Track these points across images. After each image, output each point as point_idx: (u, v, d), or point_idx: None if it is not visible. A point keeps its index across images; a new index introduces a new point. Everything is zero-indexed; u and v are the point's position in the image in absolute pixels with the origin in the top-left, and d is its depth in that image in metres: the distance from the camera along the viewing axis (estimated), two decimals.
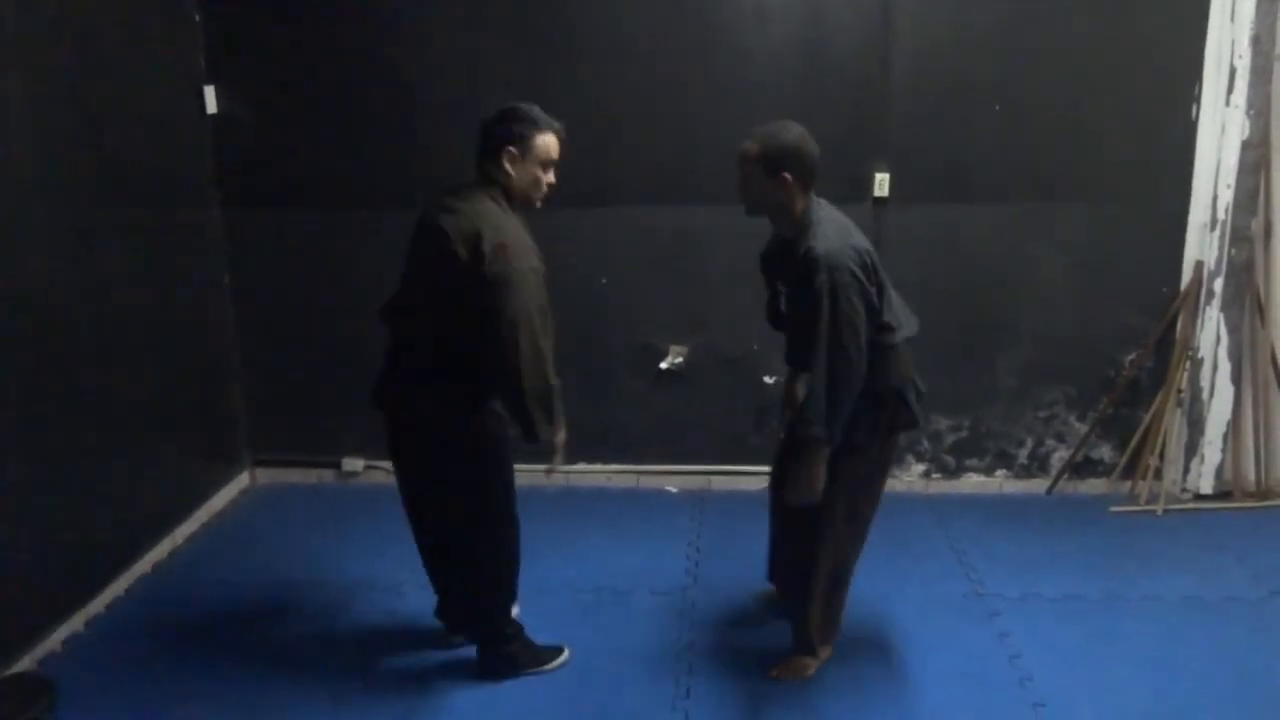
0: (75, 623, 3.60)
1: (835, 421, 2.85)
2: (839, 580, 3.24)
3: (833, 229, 2.87)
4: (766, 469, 4.72)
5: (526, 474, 4.73)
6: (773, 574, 3.59)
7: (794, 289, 2.94)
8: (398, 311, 3.08)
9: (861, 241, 2.88)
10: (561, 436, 3.03)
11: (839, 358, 2.80)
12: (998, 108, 4.31)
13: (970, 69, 4.29)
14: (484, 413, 3.05)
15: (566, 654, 3.38)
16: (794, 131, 2.90)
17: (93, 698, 3.21)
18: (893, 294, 3.00)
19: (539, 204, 3.02)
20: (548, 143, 2.95)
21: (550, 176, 2.99)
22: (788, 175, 2.86)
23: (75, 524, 3.62)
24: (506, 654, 3.29)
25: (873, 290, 2.85)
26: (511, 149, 2.91)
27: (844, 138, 4.35)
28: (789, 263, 2.93)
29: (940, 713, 3.11)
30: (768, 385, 4.62)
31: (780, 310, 3.20)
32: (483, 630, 3.30)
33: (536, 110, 2.97)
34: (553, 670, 3.33)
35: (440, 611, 3.48)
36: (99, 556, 3.79)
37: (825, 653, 3.32)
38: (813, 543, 3.13)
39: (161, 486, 4.20)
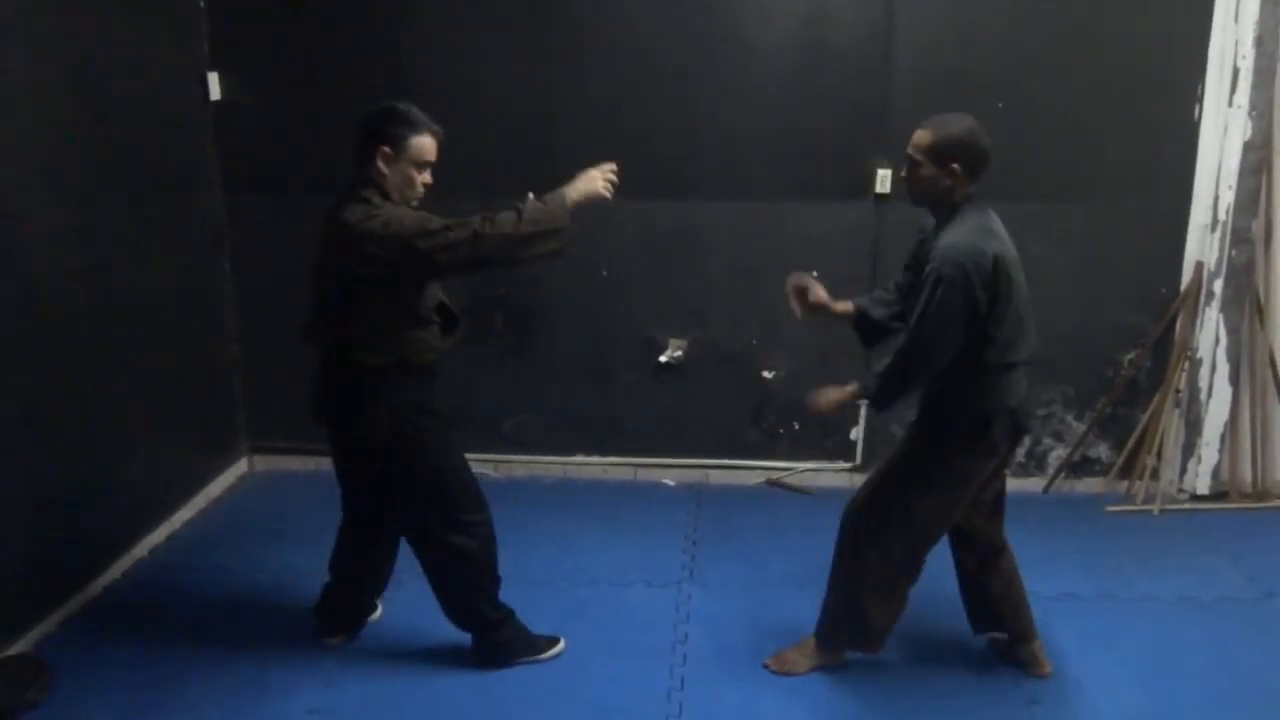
0: (72, 606, 3.60)
1: (888, 388, 2.93)
2: (880, 592, 3.16)
3: (972, 227, 2.84)
4: (764, 463, 4.77)
5: (525, 465, 4.78)
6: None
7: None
8: (313, 325, 3.10)
9: (996, 249, 2.79)
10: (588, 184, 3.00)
11: (919, 341, 2.80)
12: (1000, 106, 4.30)
13: (972, 67, 4.29)
14: (408, 408, 3.04)
15: (562, 644, 3.39)
16: (965, 123, 2.88)
17: (89, 681, 3.21)
18: (1021, 313, 2.89)
19: (414, 204, 3.01)
20: (423, 144, 2.93)
21: (425, 177, 2.97)
22: (956, 166, 2.84)
23: (73, 508, 3.62)
24: (499, 641, 3.30)
25: (984, 296, 2.76)
26: (386, 149, 2.89)
27: (846, 134, 4.35)
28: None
29: (934, 710, 3.12)
30: (767, 380, 4.63)
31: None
32: (472, 620, 3.30)
33: (415, 111, 2.94)
34: (548, 659, 3.34)
35: (329, 609, 3.48)
36: (97, 541, 3.79)
37: (842, 651, 3.30)
38: (862, 547, 3.14)
39: (160, 472, 4.21)
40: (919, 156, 2.88)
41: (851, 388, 3.06)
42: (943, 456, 2.98)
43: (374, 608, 3.59)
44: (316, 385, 3.12)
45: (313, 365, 2.93)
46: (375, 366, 2.96)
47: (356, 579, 3.46)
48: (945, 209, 2.91)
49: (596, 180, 3.00)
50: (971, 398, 2.91)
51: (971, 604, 3.35)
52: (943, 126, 2.87)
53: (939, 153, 2.85)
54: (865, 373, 3.14)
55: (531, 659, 3.32)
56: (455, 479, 3.17)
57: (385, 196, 2.92)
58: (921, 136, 2.88)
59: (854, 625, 3.21)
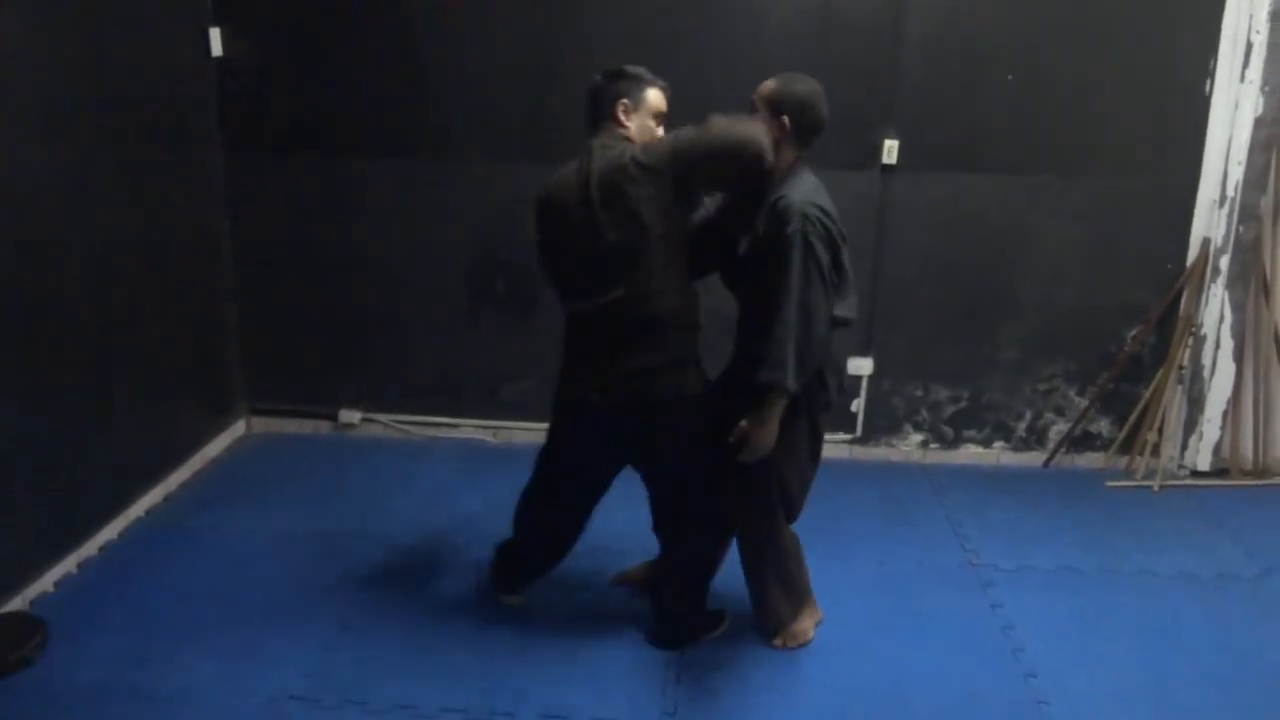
0: (68, 564, 3.59)
1: (801, 369, 2.77)
2: (771, 553, 3.22)
3: (808, 187, 2.87)
4: None
5: (525, 432, 4.75)
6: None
7: (756, 239, 2.90)
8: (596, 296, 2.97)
9: (831, 208, 2.86)
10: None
11: (810, 304, 2.77)
12: (1010, 77, 4.27)
13: (983, 37, 4.24)
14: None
15: (727, 621, 3.36)
16: (809, 85, 2.92)
17: (84, 638, 3.21)
18: (848, 271, 2.94)
19: None
20: (657, 96, 3.03)
21: (660, 130, 3.04)
22: (785, 119, 2.88)
23: (70, 466, 3.60)
24: (699, 621, 3.31)
25: (823, 248, 2.81)
26: (626, 102, 2.98)
27: (854, 104, 4.30)
28: (757, 211, 2.92)
29: (932, 683, 3.11)
30: None
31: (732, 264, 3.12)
32: (689, 590, 3.29)
33: (641, 68, 3.05)
34: (719, 635, 3.32)
35: (511, 569, 3.47)
36: (93, 499, 3.77)
37: (810, 615, 3.33)
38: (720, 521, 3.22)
39: (157, 432, 4.19)
40: (758, 104, 2.93)
41: (767, 408, 2.83)
42: (790, 419, 2.95)
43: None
44: (598, 367, 2.99)
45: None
46: (681, 316, 2.95)
47: (550, 547, 3.41)
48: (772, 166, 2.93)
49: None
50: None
51: None
52: (788, 82, 2.92)
53: (775, 104, 2.90)
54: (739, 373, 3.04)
55: (709, 637, 3.31)
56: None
57: None
58: (766, 86, 2.94)
59: (785, 592, 3.26)
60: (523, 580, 3.48)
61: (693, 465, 3.10)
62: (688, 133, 2.88)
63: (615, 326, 2.94)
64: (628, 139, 2.95)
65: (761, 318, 2.83)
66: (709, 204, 3.16)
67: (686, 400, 2.98)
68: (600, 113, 3.00)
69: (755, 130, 2.85)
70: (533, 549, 3.41)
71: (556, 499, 3.30)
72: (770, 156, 2.84)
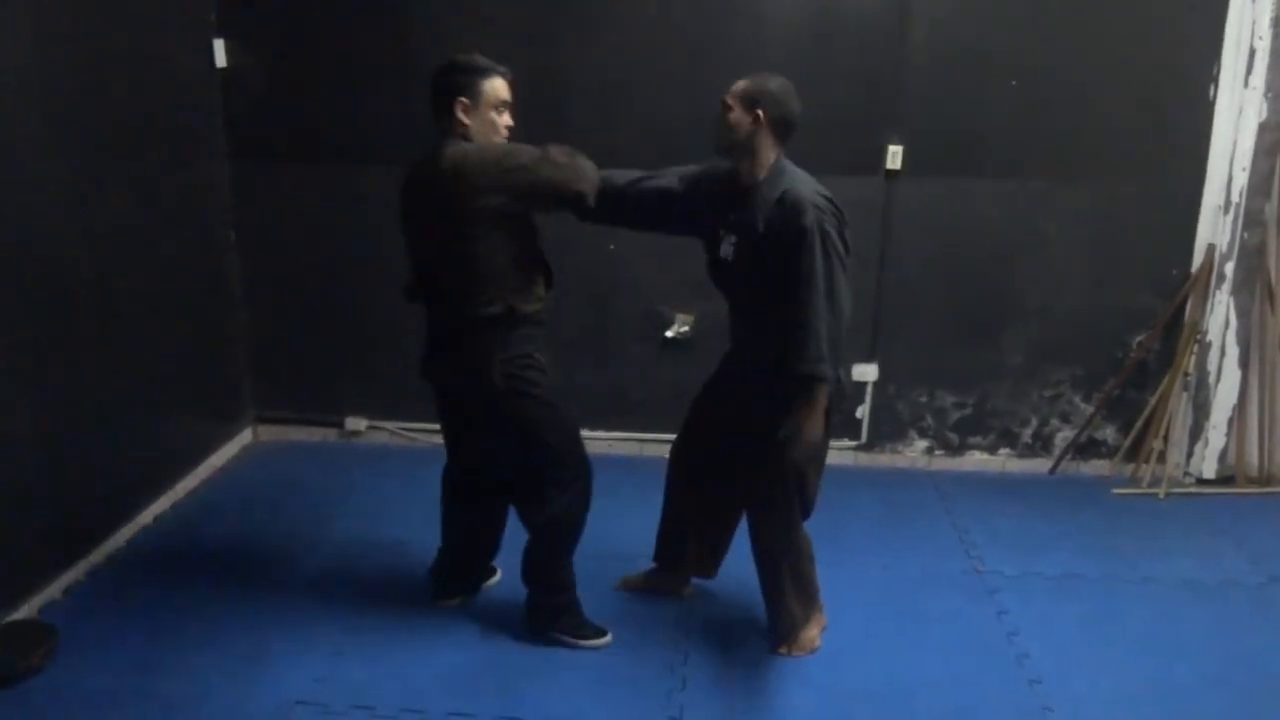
0: (77, 571, 3.61)
1: (835, 357, 2.82)
2: (787, 551, 3.24)
3: (803, 178, 2.92)
4: None
5: None
6: (664, 554, 3.58)
7: (751, 235, 2.93)
8: (415, 284, 3.13)
9: (832, 197, 2.91)
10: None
11: (836, 290, 2.81)
12: (1014, 82, 4.27)
13: (987, 43, 4.25)
14: (517, 360, 3.06)
15: (609, 638, 3.32)
16: (779, 81, 2.98)
17: (93, 645, 3.22)
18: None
19: None
20: (496, 86, 2.96)
21: (506, 119, 3.01)
22: (760, 112, 2.92)
23: (78, 474, 3.62)
24: (553, 605, 3.29)
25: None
26: (463, 99, 2.93)
27: (858, 110, 4.32)
28: (741, 209, 2.97)
29: (937, 688, 3.11)
30: None
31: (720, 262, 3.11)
32: (540, 578, 3.29)
33: (479, 57, 2.98)
34: (588, 648, 3.28)
35: (446, 573, 3.51)
36: (101, 507, 3.79)
37: (818, 622, 3.33)
38: (765, 526, 3.23)
39: (164, 440, 4.21)
40: (731, 101, 2.96)
41: (813, 401, 2.85)
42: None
43: (491, 571, 3.61)
44: (426, 343, 3.17)
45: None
46: (486, 317, 2.97)
47: (468, 540, 3.48)
48: (750, 162, 2.97)
49: None
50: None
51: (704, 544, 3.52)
52: (760, 78, 2.96)
53: (749, 99, 2.94)
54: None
55: (573, 641, 3.28)
56: (559, 435, 3.16)
57: None
58: (738, 84, 2.98)
59: (803, 594, 3.27)
60: (455, 583, 3.53)
61: (510, 458, 3.19)
62: (522, 159, 2.90)
63: (433, 317, 3.14)
64: (466, 138, 2.94)
65: (777, 313, 2.86)
66: (671, 174, 3.21)
67: (489, 395, 3.04)
68: (440, 111, 2.97)
69: (584, 171, 2.97)
70: (453, 548, 3.49)
71: (456, 487, 3.43)
72: (592, 201, 2.97)
